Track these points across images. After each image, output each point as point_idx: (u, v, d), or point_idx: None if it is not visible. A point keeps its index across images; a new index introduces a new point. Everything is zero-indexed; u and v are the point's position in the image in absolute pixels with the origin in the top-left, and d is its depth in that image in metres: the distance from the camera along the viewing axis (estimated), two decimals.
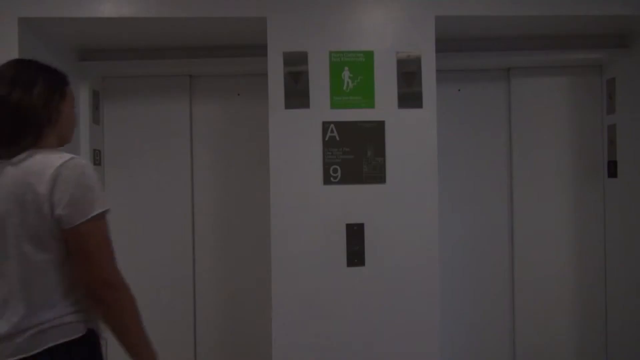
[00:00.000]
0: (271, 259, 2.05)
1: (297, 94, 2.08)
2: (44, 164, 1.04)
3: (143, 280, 2.33)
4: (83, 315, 1.10)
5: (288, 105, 2.08)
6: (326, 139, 2.09)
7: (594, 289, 2.59)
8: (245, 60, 2.43)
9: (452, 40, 2.42)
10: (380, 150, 2.09)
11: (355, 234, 2.07)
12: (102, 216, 1.08)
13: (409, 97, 2.10)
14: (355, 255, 2.08)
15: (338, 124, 2.09)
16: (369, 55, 2.10)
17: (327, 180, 2.08)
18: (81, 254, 1.06)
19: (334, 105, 2.09)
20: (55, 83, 1.16)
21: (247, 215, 2.56)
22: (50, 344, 1.04)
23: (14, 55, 1.99)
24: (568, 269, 2.59)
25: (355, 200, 2.08)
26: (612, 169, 2.50)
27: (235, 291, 2.56)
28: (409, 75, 2.10)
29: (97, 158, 2.53)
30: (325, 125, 2.09)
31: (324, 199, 2.07)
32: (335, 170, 2.09)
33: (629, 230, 2.41)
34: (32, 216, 1.03)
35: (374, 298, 2.08)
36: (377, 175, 2.09)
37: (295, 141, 2.08)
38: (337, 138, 2.09)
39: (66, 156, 1.07)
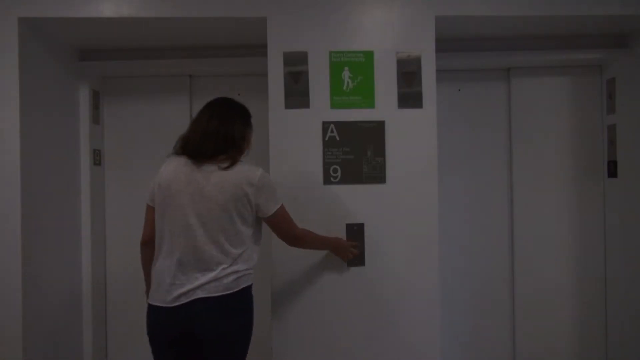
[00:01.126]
0: (271, 258, 2.05)
1: (297, 94, 2.08)
2: (249, 173, 1.60)
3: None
4: (251, 270, 1.64)
5: (288, 105, 2.08)
6: (326, 139, 2.09)
7: (594, 289, 2.59)
8: (245, 60, 2.43)
9: (452, 40, 2.42)
10: (380, 150, 2.09)
11: (355, 234, 2.07)
12: (281, 206, 1.68)
13: (409, 97, 2.10)
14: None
15: (338, 124, 2.09)
16: (369, 55, 2.10)
17: (327, 180, 2.08)
18: (278, 228, 1.71)
19: (334, 105, 2.09)
20: (246, 119, 1.70)
21: None
22: (243, 286, 1.60)
23: (14, 55, 2.00)
24: (568, 269, 2.59)
25: (355, 200, 2.08)
26: (612, 169, 2.50)
27: None
28: (409, 75, 2.10)
29: (97, 158, 2.53)
30: (325, 125, 2.09)
31: (324, 199, 2.07)
32: (335, 170, 2.09)
33: (629, 230, 2.41)
34: (244, 205, 1.58)
35: (374, 298, 2.08)
36: (377, 175, 2.09)
37: (295, 141, 2.08)
38: (337, 138, 2.09)
39: (259, 169, 1.62)
